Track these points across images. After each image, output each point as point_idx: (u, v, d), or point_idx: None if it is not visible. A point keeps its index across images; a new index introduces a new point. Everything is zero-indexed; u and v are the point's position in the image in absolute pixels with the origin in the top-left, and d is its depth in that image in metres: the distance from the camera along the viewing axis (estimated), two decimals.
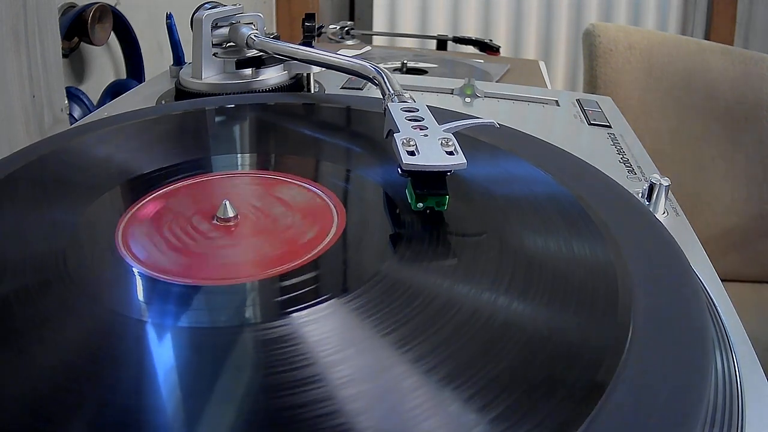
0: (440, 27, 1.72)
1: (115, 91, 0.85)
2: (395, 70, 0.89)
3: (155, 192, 0.33)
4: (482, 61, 0.98)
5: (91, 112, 0.66)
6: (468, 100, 0.57)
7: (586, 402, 0.20)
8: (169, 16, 0.60)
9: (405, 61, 0.91)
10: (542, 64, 0.98)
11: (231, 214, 0.30)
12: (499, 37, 1.71)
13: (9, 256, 0.28)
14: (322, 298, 0.24)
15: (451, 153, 0.30)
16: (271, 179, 0.35)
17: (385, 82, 0.40)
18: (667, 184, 0.37)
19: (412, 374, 0.21)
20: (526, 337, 0.23)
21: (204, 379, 0.21)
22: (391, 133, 0.33)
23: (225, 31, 0.52)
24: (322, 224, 0.30)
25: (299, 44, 0.50)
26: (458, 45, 1.17)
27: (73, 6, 0.81)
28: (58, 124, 0.63)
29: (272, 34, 0.52)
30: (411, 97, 0.38)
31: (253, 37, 0.50)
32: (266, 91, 0.51)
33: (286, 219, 0.31)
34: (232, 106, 0.45)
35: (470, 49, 1.13)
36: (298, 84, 0.54)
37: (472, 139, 0.37)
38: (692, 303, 0.25)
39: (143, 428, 0.19)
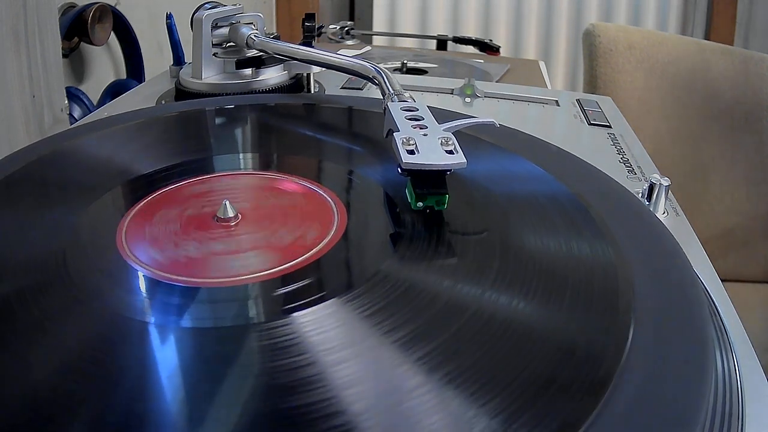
0: (440, 27, 1.72)
1: (115, 91, 0.85)
2: (395, 70, 0.89)
3: (155, 192, 0.33)
4: (482, 61, 0.98)
5: (91, 112, 0.66)
6: (468, 100, 0.57)
7: (586, 402, 0.20)
8: (169, 16, 0.60)
9: (405, 61, 0.91)
10: (542, 64, 0.98)
11: (231, 214, 0.30)
12: (499, 37, 1.71)
13: (9, 256, 0.28)
14: (323, 297, 0.24)
15: (450, 152, 0.30)
16: (271, 179, 0.35)
17: (385, 82, 0.40)
18: (667, 184, 0.37)
19: (413, 373, 0.21)
20: (527, 337, 0.23)
21: (205, 379, 0.21)
22: (390, 132, 0.33)
23: (225, 31, 0.52)
24: (323, 224, 0.30)
25: (299, 44, 0.50)
26: (458, 45, 1.17)
27: (73, 6, 0.81)
28: (58, 124, 0.63)
29: (272, 34, 0.52)
30: (411, 97, 0.38)
31: (253, 37, 0.50)
32: (266, 92, 0.51)
33: (287, 219, 0.31)
34: (232, 106, 0.45)
35: (470, 49, 1.13)
36: (298, 84, 0.54)
37: (471, 139, 0.37)
38: (692, 303, 0.25)
39: (144, 428, 0.19)
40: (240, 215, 0.30)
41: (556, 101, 0.57)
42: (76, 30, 0.80)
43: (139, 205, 0.32)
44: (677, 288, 0.26)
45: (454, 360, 0.21)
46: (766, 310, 0.88)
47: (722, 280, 0.31)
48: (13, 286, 0.26)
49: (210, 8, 0.52)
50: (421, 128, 0.32)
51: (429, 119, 0.33)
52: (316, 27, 1.05)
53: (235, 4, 0.54)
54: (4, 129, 0.57)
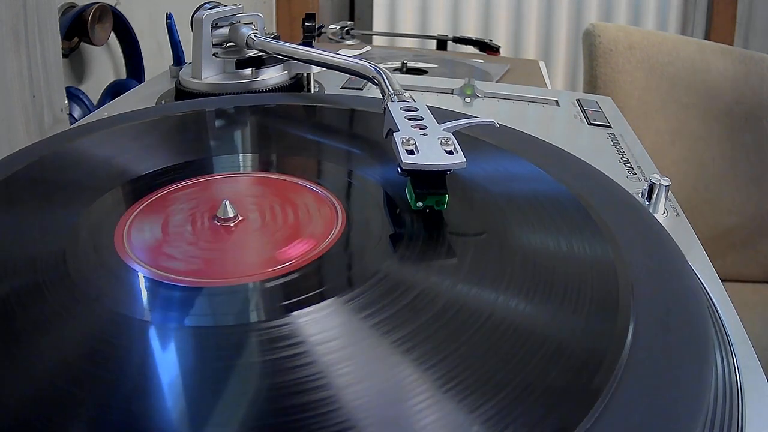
0: (440, 27, 1.72)
1: (115, 91, 0.85)
2: (395, 70, 0.89)
3: (155, 192, 0.33)
4: (482, 61, 0.98)
5: (91, 112, 0.66)
6: (468, 100, 0.57)
7: (586, 402, 0.20)
8: (169, 16, 0.60)
9: (405, 61, 0.91)
10: (542, 64, 0.98)
11: (231, 214, 0.30)
12: (499, 37, 1.71)
13: (9, 256, 0.28)
14: (323, 297, 0.24)
15: (450, 152, 0.30)
16: (271, 179, 0.35)
17: (384, 82, 0.40)
18: (667, 184, 0.37)
19: (412, 373, 0.21)
20: (526, 337, 0.23)
21: (204, 378, 0.21)
22: (390, 132, 0.33)
23: (225, 31, 0.52)
24: (323, 224, 0.30)
25: (299, 44, 0.50)
26: (458, 45, 1.17)
27: (73, 6, 0.81)
28: (58, 124, 0.63)
29: (272, 34, 0.52)
30: (411, 97, 0.38)
31: (253, 37, 0.50)
32: (266, 91, 0.51)
33: (287, 219, 0.31)
34: (232, 106, 0.45)
35: (470, 49, 1.13)
36: (298, 84, 0.54)
37: (471, 139, 0.37)
38: (692, 303, 0.25)
39: (144, 428, 0.19)
40: (240, 215, 0.30)
41: (556, 101, 0.57)
42: (76, 30, 0.80)
43: (140, 205, 0.32)
44: (677, 288, 0.26)
45: (452, 360, 0.21)
46: (766, 310, 0.88)
47: (722, 280, 0.31)
48: (13, 285, 0.26)
49: (210, 8, 0.52)
50: (420, 128, 0.32)
51: (429, 119, 0.33)
52: (316, 27, 1.05)
53: (235, 4, 0.54)
54: (4, 129, 0.57)
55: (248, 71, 0.51)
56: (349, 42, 1.14)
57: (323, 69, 0.49)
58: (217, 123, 0.44)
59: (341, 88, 0.58)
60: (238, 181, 0.35)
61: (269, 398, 0.20)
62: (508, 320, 0.23)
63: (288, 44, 0.49)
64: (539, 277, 0.26)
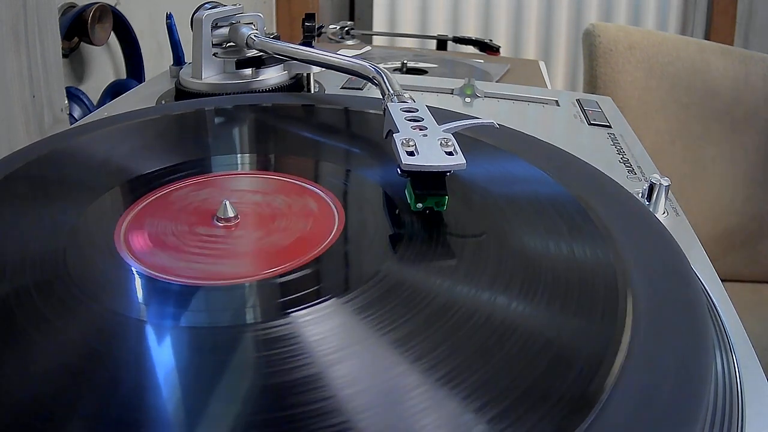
0: (440, 27, 1.72)
1: (115, 91, 0.85)
2: (395, 70, 0.89)
3: (155, 192, 0.33)
4: (482, 61, 0.98)
5: (91, 112, 0.66)
6: (468, 100, 0.57)
7: (586, 402, 0.20)
8: (169, 16, 0.60)
9: (405, 61, 0.91)
10: (542, 64, 0.98)
11: (231, 214, 0.30)
12: (499, 37, 1.71)
13: (9, 256, 0.28)
14: (322, 297, 0.24)
15: (450, 153, 0.30)
16: (271, 179, 0.35)
17: (384, 82, 0.40)
18: (667, 184, 0.37)
19: (411, 374, 0.21)
20: (525, 338, 0.23)
21: (203, 378, 0.21)
22: (390, 133, 0.33)
23: (225, 31, 0.52)
24: (322, 224, 0.30)
25: (299, 44, 0.50)
26: (458, 45, 1.17)
27: (73, 6, 0.81)
28: (58, 124, 0.63)
29: (272, 34, 0.52)
30: (411, 97, 0.38)
31: (253, 37, 0.50)
32: (266, 91, 0.51)
33: (286, 219, 0.31)
34: (232, 106, 0.45)
35: (470, 49, 1.13)
36: (298, 84, 0.54)
37: (471, 139, 0.37)
38: (692, 303, 0.25)
39: (143, 428, 0.19)
40: (240, 215, 0.30)
41: (556, 101, 0.57)
42: (76, 30, 0.80)
43: (139, 205, 0.32)
44: (677, 288, 0.26)
45: (451, 361, 0.21)
46: (766, 310, 0.88)
47: (722, 280, 0.31)
48: (13, 285, 0.26)
49: (210, 8, 0.52)
50: (420, 129, 0.32)
51: (429, 120, 0.33)
52: (316, 27, 1.05)
53: (235, 4, 0.54)
54: (4, 129, 0.57)
55: (248, 71, 0.51)
56: (349, 42, 1.14)
57: (323, 69, 0.49)
58: (217, 123, 0.44)
59: (341, 88, 0.58)
60: (238, 181, 0.35)
61: (269, 398, 0.20)
62: (507, 321, 0.23)
63: (288, 44, 0.49)
64: (538, 279, 0.26)
